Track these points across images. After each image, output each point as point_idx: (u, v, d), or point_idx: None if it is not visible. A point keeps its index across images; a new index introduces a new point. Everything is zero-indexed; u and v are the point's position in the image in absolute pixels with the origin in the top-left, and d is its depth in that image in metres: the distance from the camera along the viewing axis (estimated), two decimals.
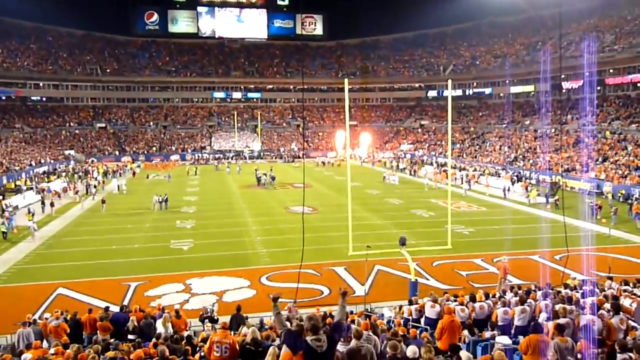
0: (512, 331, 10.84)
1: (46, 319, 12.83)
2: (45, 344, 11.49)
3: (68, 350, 9.52)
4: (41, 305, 17.09)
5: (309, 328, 5.63)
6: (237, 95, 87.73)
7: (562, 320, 8.84)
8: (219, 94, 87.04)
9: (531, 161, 48.45)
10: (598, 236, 25.47)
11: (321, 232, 26.63)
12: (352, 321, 10.30)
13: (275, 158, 72.74)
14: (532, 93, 68.17)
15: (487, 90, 76.53)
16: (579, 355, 7.14)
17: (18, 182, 44.59)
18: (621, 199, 34.48)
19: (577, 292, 12.90)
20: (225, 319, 12.97)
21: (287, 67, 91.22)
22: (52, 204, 33.98)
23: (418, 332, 10.44)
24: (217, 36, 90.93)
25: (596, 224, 28.17)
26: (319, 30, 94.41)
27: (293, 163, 67.31)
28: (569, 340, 7.64)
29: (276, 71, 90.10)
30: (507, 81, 70.24)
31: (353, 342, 6.85)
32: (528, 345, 7.61)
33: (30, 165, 53.20)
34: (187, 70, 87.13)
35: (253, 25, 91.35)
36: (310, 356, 5.49)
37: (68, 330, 12.18)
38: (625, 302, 11.11)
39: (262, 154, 74.41)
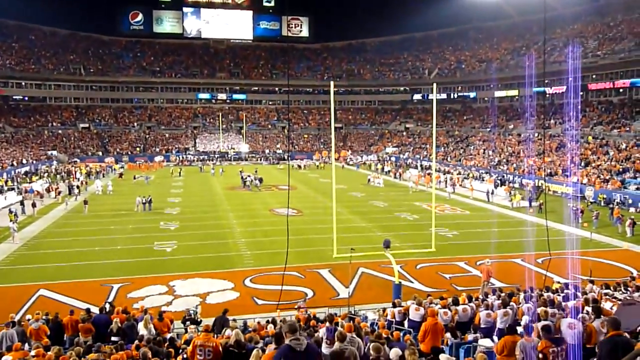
0: (495, 334, 10.92)
1: (27, 320, 12.66)
2: (26, 345, 11.34)
3: (49, 353, 9.41)
4: (22, 306, 16.85)
5: (287, 330, 5.71)
6: (222, 96, 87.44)
7: (545, 322, 8.96)
8: (204, 95, 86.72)
9: (514, 165, 48.94)
10: (580, 240, 25.77)
11: (306, 234, 26.63)
12: (336, 323, 10.32)
13: (260, 160, 72.60)
14: (516, 97, 68.91)
15: (472, 94, 77.25)
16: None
17: None
18: (602, 204, 34.95)
19: (559, 295, 13.05)
20: (209, 321, 12.93)
21: (273, 68, 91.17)
22: (33, 205, 33.57)
23: (401, 334, 10.48)
24: (202, 37, 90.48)
25: (579, 228, 28.52)
26: (304, 32, 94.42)
27: (278, 165, 67.18)
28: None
29: (261, 73, 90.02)
30: (491, 85, 70.98)
31: (337, 345, 6.86)
32: (504, 347, 7.92)
33: (12, 165, 52.48)
34: (171, 70, 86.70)
35: (238, 27, 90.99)
36: (290, 355, 5.54)
37: (49, 332, 12.03)
38: (606, 305, 11.26)
39: (247, 155, 74.20)
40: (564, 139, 50.06)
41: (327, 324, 10.79)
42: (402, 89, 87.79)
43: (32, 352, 9.84)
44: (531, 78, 55.03)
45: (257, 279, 19.77)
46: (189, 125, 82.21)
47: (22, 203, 34.14)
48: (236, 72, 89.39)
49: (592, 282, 15.10)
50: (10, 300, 17.59)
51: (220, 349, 8.77)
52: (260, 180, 46.48)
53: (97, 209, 34.60)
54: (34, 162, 58.47)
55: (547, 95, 60.67)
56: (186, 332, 12.59)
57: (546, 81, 58.93)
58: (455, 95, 79.81)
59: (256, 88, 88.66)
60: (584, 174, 40.84)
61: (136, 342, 10.76)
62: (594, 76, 57.06)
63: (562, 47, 61.81)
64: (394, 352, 7.26)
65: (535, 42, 70.21)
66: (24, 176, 50.07)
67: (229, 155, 73.01)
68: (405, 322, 12.48)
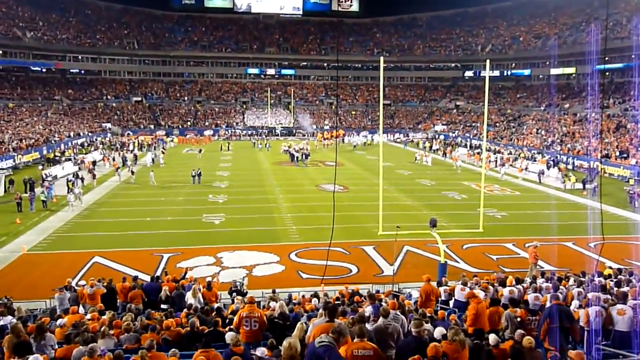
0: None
1: (82, 285, 13.26)
2: (81, 309, 11.89)
3: (104, 317, 9.84)
4: (78, 272, 17.66)
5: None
6: (270, 71, 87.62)
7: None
8: (253, 70, 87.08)
9: (569, 146, 47.25)
10: (636, 225, 24.79)
11: (351, 211, 26.66)
12: (380, 300, 10.35)
13: (307, 136, 72.54)
14: (573, 75, 66.19)
15: (526, 72, 74.56)
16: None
17: (57, 153, 45.69)
18: None
19: (612, 281, 12.64)
20: (255, 292, 13.19)
21: (322, 43, 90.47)
22: (94, 176, 34.91)
23: (446, 314, 10.42)
24: (252, 11, 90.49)
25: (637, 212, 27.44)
26: (355, 6, 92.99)
27: (323, 142, 65.17)
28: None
29: (310, 48, 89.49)
30: (547, 62, 68.27)
31: (380, 321, 6.88)
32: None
33: (69, 136, 54.42)
34: (221, 45, 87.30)
35: (288, 1, 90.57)
36: None
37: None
38: None
39: (294, 131, 74.34)
40: (623, 120, 47.89)
41: (372, 302, 10.83)
42: (453, 65, 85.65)
43: (88, 316, 10.32)
44: (594, 55, 52.62)
45: (303, 254, 19.99)
46: (238, 100, 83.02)
47: (75, 175, 35.28)
48: (285, 47, 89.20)
49: None
50: (67, 266, 18.44)
51: (265, 320, 8.96)
52: (307, 155, 46.67)
53: (147, 181, 35.55)
54: (90, 134, 60.46)
55: (607, 74, 57.93)
56: (233, 302, 12.88)
57: (607, 58, 56.15)
58: (509, 73, 77.27)
59: (305, 63, 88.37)
60: None
61: (185, 310, 11.12)
62: None
63: (625, 22, 58.68)
64: (438, 331, 7.23)
65: (596, 17, 66.88)
66: (80, 147, 51.94)
67: (276, 131, 73.38)
68: (451, 302, 12.40)
